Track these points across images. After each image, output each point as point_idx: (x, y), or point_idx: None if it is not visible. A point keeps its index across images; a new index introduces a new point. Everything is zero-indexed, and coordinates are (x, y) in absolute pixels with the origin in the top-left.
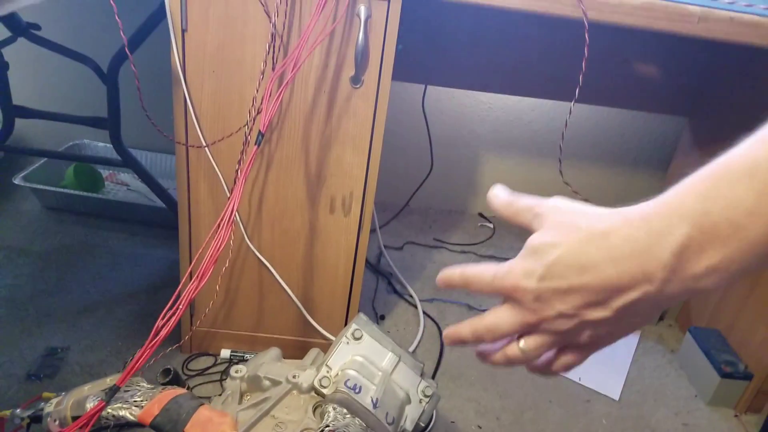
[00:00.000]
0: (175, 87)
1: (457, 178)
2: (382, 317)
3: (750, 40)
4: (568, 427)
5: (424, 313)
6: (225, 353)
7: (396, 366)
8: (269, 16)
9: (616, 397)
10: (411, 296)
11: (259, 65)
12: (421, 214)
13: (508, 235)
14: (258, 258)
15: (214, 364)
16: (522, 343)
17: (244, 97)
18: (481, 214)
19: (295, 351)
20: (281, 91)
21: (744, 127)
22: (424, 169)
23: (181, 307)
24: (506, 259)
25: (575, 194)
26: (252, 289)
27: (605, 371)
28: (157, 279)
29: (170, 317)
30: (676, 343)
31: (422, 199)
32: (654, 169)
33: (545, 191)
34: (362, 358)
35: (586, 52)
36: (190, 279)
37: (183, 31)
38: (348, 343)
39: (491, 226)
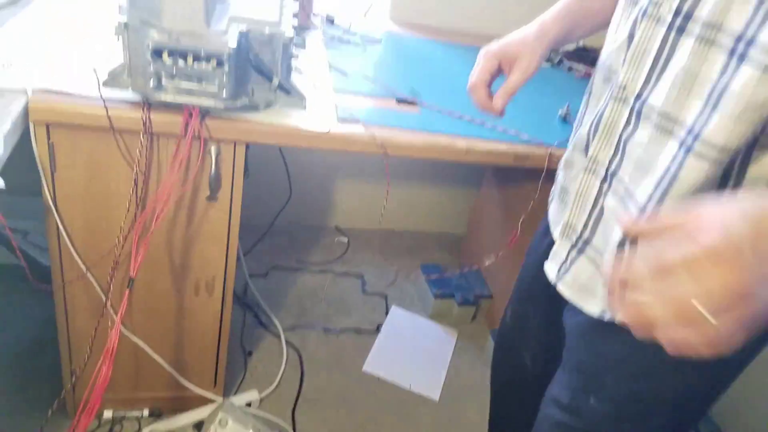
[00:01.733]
0: (47, 216)
1: (314, 197)
2: (250, 353)
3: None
4: None
5: (287, 342)
6: (108, 414)
7: None
8: (131, 167)
9: (437, 399)
10: (275, 326)
11: (125, 202)
12: (284, 233)
13: (362, 249)
14: (131, 339)
15: (99, 426)
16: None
17: (111, 224)
18: (337, 227)
19: (174, 404)
20: (146, 241)
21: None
22: (284, 193)
23: None
24: (359, 275)
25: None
26: (128, 362)
27: (428, 374)
28: (31, 341)
29: None
30: (484, 339)
31: (285, 218)
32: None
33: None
34: None
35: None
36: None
37: (52, 173)
38: (216, 430)
39: (345, 240)
